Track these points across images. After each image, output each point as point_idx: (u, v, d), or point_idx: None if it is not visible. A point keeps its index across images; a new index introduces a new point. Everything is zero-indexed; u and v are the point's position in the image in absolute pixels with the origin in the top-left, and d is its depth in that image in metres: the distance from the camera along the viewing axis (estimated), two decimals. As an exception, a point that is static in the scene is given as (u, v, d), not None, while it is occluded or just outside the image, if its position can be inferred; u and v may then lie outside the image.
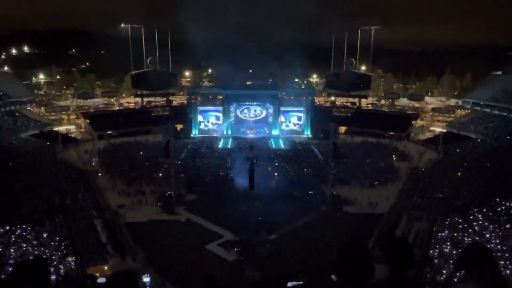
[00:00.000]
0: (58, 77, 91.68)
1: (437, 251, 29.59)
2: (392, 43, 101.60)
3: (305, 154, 59.83)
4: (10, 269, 6.24)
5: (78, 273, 26.40)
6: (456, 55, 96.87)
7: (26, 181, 42.07)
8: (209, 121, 69.26)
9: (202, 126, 68.60)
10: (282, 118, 69.36)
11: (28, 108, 69.06)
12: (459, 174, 47.01)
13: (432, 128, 70.50)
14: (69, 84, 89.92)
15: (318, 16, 79.50)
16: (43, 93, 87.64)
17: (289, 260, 31.56)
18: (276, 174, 49.93)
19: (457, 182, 44.71)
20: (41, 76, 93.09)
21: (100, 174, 51.34)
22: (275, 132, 68.80)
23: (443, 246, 30.00)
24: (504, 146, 53.08)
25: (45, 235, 31.40)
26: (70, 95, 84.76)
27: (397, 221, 37.53)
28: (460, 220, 33.65)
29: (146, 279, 25.87)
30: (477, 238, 30.06)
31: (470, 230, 32.91)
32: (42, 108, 73.55)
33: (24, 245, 28.25)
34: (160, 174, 50.05)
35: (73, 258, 28.45)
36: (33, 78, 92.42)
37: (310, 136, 68.14)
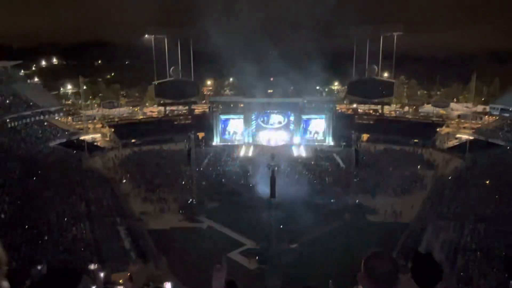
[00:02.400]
0: (84, 87, 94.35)
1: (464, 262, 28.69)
2: (416, 49, 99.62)
3: (327, 162, 59.36)
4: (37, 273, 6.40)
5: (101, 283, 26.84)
6: (483, 60, 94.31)
7: (53, 189, 43.41)
8: (232, 130, 69.77)
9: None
10: (304, 126, 69.15)
11: (56, 118, 71.36)
12: (487, 182, 45.57)
13: (458, 135, 68.66)
14: (95, 94, 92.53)
15: (339, 23, 79.20)
16: (70, 103, 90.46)
17: (311, 269, 31.19)
18: (297, 182, 49.69)
19: (485, 191, 43.34)
20: (69, 86, 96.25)
21: (124, 181, 52.50)
22: (296, 140, 68.60)
23: (471, 257, 29.07)
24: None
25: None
26: (96, 105, 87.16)
27: (422, 231, 36.65)
28: (488, 231, 32.59)
29: (168, 285, 26.08)
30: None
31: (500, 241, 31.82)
32: (69, 118, 75.79)
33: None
34: (183, 182, 50.66)
35: (97, 266, 28.96)
36: (61, 89, 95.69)
37: (332, 144, 67.56)
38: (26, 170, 45.73)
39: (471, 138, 63.68)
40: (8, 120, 59.11)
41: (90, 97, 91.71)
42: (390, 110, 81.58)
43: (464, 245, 32.18)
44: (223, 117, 70.36)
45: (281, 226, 37.52)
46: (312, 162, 59.04)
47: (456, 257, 30.60)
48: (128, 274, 28.76)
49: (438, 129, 70.01)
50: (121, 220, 39.09)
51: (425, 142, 66.25)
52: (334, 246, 34.82)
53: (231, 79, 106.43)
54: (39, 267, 8.21)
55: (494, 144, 59.44)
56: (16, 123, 61.20)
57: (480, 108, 79.27)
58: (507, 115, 65.95)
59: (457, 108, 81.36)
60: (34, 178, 44.88)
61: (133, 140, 68.65)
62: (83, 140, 64.23)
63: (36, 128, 63.81)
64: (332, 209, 42.98)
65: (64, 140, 64.21)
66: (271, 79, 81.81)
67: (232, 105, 74.01)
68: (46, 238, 32.06)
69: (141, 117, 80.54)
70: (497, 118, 68.70)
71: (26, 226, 32.75)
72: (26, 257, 28.65)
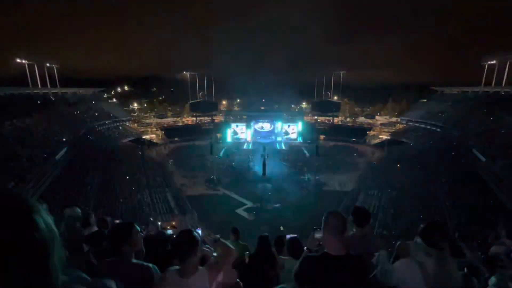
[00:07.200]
0: (145, 105, 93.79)
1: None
2: (354, 81, 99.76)
3: (298, 153, 59.29)
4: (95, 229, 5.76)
5: (157, 228, 26.81)
6: (396, 88, 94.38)
7: (125, 169, 43.25)
8: (238, 132, 69.28)
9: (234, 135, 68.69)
10: (284, 129, 68.81)
11: (127, 124, 70.82)
12: (398, 166, 45.86)
13: (380, 136, 68.78)
14: (152, 109, 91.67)
15: (307, 64, 78.87)
16: (136, 115, 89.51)
17: (287, 220, 31.23)
18: (280, 166, 49.64)
19: (397, 171, 43.62)
20: (135, 104, 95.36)
21: (170, 162, 52.48)
22: (279, 139, 68.34)
23: (387, 213, 29.23)
24: (427, 149, 51.47)
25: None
26: (152, 116, 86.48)
27: (357, 196, 36.91)
28: (398, 196, 32.75)
29: (199, 230, 26.06)
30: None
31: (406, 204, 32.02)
32: (135, 124, 75.16)
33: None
34: (207, 165, 50.42)
35: (154, 218, 28.97)
36: (130, 106, 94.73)
37: (302, 141, 67.40)
38: (108, 158, 45.51)
39: (389, 138, 63.89)
40: (96, 126, 58.69)
41: (148, 111, 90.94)
42: (338, 120, 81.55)
43: (383, 205, 32.42)
44: (233, 124, 69.93)
45: (269, 193, 37.59)
46: (289, 153, 58.96)
47: (378, 214, 30.83)
48: (173, 223, 28.89)
49: (368, 132, 70.09)
50: (168, 189, 39.05)
51: (359, 140, 66.43)
52: (302, 206, 34.88)
53: (238, 100, 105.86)
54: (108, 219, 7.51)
55: (403, 142, 59.73)
56: (102, 128, 60.73)
57: (394, 119, 79.34)
58: (411, 123, 66.29)
59: (380, 119, 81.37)
60: (113, 163, 44.64)
61: (176, 138, 68.32)
62: (144, 138, 63.83)
63: (114, 131, 63.35)
64: (302, 183, 43.05)
65: (132, 138, 63.75)
66: (263, 100, 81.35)
67: (239, 116, 73.49)
68: (121, 200, 32.02)
69: (181, 123, 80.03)
70: (405, 125, 68.98)
71: (109, 192, 32.59)
72: (107, 214, 28.58)
